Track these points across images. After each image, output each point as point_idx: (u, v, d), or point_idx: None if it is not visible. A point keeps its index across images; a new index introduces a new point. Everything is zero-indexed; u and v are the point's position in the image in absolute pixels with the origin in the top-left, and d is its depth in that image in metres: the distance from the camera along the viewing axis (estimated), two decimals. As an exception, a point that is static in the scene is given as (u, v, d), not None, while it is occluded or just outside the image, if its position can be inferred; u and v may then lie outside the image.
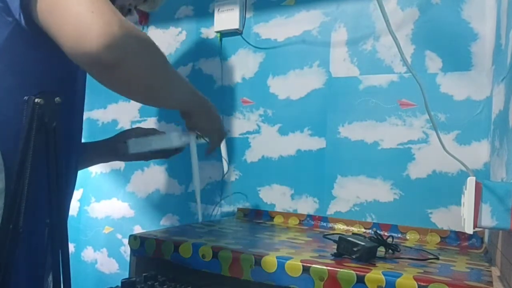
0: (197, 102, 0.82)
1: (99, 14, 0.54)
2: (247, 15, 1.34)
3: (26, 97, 0.65)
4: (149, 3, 1.04)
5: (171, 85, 0.71)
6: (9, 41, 0.64)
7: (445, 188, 1.04)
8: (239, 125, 1.33)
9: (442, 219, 1.04)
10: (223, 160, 1.15)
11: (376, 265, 0.70)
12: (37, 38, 0.62)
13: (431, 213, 1.05)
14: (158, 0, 1.05)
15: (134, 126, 1.55)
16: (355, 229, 1.11)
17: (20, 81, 0.66)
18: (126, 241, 1.22)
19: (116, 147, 0.98)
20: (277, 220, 1.23)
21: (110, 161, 1.12)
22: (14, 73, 0.66)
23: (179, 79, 0.75)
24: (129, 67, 0.58)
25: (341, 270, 0.66)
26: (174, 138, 0.91)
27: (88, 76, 0.71)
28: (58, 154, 0.67)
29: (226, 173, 1.28)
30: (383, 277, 0.63)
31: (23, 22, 0.61)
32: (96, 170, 1.62)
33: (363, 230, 1.11)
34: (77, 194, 1.64)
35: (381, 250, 0.81)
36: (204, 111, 0.84)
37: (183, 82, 0.77)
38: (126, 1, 0.93)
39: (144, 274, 0.80)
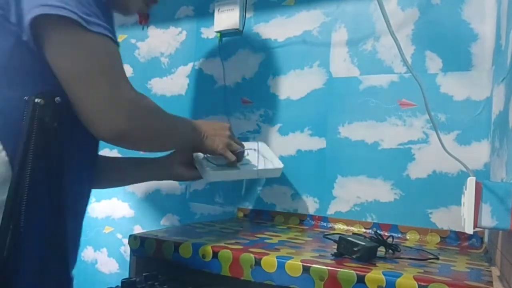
0: (195, 135, 0.89)
1: (113, 102, 0.64)
2: (247, 15, 1.34)
3: (26, 97, 0.65)
4: None
5: (172, 135, 0.82)
6: (17, 48, 0.65)
7: (445, 188, 1.04)
8: (239, 125, 1.33)
9: (442, 219, 1.04)
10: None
11: (376, 265, 0.70)
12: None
13: (431, 213, 1.05)
14: None
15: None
16: (355, 229, 1.11)
17: (31, 85, 0.66)
18: (126, 241, 1.22)
19: (173, 167, 0.98)
20: (277, 220, 1.24)
21: (163, 179, 1.11)
22: (24, 76, 0.67)
23: (177, 126, 0.84)
24: (132, 141, 0.70)
25: (341, 270, 0.66)
26: (266, 172, 1.05)
27: None
28: (59, 154, 0.67)
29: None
30: (383, 277, 0.63)
31: (31, 43, 0.64)
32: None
33: (363, 230, 1.11)
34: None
35: (381, 250, 0.81)
36: (206, 139, 0.90)
37: (183, 125, 0.86)
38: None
39: (144, 274, 0.80)
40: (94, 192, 1.63)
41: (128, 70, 1.57)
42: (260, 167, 1.03)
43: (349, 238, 0.75)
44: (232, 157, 0.93)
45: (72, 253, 0.81)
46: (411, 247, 0.93)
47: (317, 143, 1.21)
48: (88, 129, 0.66)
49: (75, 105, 0.65)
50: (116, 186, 1.01)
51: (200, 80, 1.42)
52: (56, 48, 0.63)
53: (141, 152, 1.13)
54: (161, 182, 1.46)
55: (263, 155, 1.08)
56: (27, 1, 0.62)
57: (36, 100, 0.64)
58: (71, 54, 0.63)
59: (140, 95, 0.72)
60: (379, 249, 0.79)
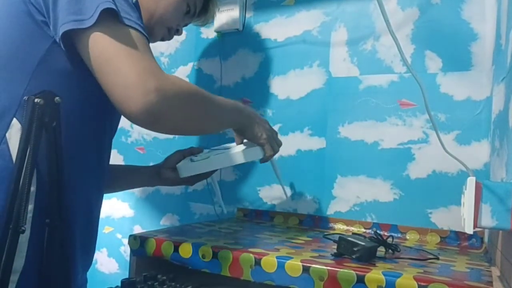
0: (244, 119, 0.88)
1: (143, 77, 0.63)
2: (247, 15, 1.34)
3: (26, 97, 0.65)
4: (202, 19, 1.07)
5: (213, 117, 0.79)
6: (49, 53, 0.68)
7: (445, 188, 1.04)
8: (239, 125, 1.33)
9: (442, 219, 1.04)
10: (281, 185, 1.15)
11: (376, 265, 0.70)
12: (74, 56, 0.68)
13: (431, 213, 1.05)
14: (211, 13, 1.07)
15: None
16: (355, 229, 1.11)
17: (61, 89, 0.68)
18: (126, 241, 1.22)
19: (160, 172, 1.00)
20: (277, 220, 1.23)
21: (153, 185, 1.18)
22: (54, 79, 0.69)
23: (219, 106, 0.81)
24: (166, 122, 0.68)
25: (341, 270, 0.66)
26: (239, 155, 0.92)
27: None
28: (58, 154, 0.67)
29: (287, 197, 1.23)
30: (383, 277, 0.63)
31: (62, 46, 0.67)
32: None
33: (363, 230, 1.11)
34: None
35: (381, 250, 0.81)
36: (252, 124, 0.89)
37: (226, 106, 0.83)
38: (174, 23, 0.96)
39: (144, 274, 0.80)
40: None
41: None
42: (236, 150, 0.95)
43: (349, 238, 0.75)
44: (270, 151, 0.91)
45: (85, 255, 0.81)
46: (411, 247, 0.93)
47: (317, 143, 1.21)
48: (122, 113, 0.65)
49: (107, 90, 0.65)
50: (106, 193, 1.01)
51: (200, 80, 1.42)
52: (90, 38, 0.64)
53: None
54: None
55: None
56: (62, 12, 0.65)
57: (36, 100, 0.64)
58: (103, 40, 0.64)
59: (174, 77, 0.71)
60: (379, 249, 0.79)
